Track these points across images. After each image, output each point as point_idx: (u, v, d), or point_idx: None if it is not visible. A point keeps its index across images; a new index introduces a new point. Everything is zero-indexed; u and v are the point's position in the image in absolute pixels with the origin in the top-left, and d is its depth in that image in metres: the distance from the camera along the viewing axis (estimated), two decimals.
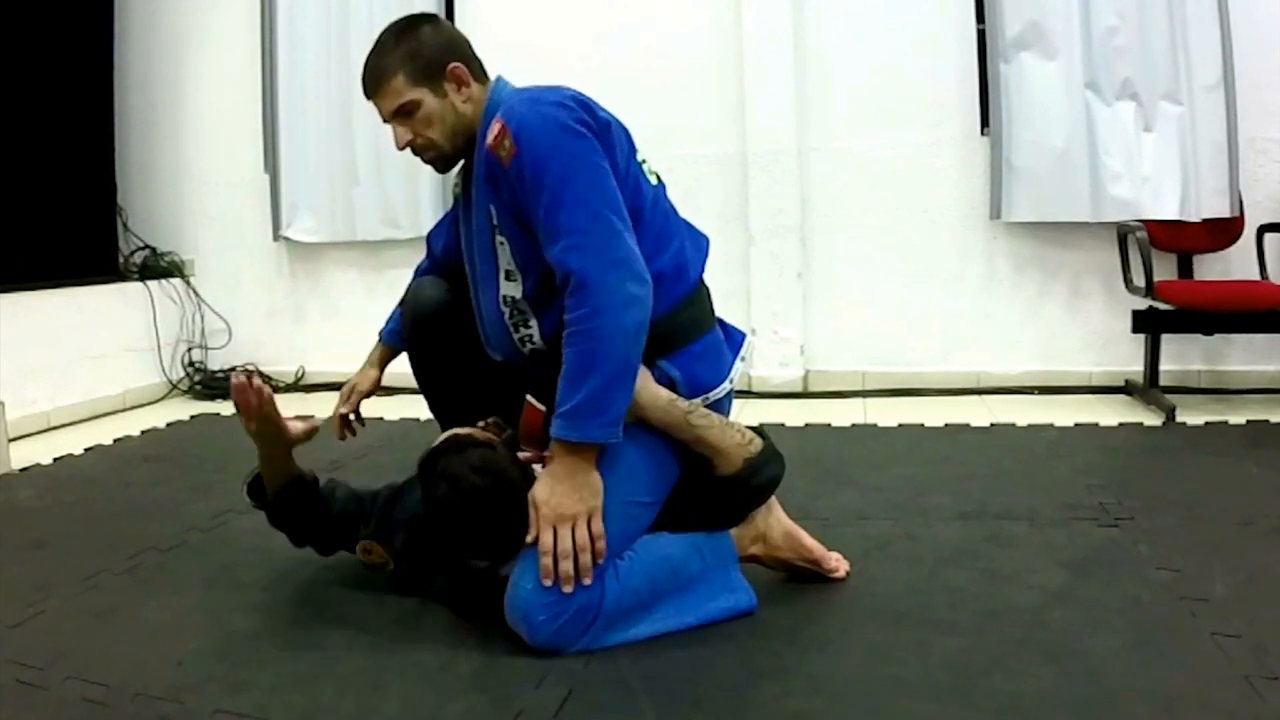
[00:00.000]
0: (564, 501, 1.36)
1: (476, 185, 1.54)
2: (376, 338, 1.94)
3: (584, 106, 1.46)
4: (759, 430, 1.57)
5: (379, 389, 1.92)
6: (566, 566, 1.36)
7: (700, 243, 1.64)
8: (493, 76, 1.61)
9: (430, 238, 1.95)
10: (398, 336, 1.89)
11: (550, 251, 1.40)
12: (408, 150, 1.59)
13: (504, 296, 1.55)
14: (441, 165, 1.62)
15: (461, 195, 1.66)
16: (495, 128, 1.44)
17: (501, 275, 1.55)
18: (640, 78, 3.49)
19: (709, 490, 1.53)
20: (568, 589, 1.36)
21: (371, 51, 1.56)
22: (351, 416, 1.89)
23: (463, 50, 1.57)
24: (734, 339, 1.66)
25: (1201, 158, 3.09)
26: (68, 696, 1.33)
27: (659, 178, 1.61)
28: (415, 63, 1.51)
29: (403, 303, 1.87)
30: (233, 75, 3.92)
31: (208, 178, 4.03)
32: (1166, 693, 1.23)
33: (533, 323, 1.55)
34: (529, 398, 1.59)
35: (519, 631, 1.40)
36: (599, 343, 1.35)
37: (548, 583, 1.36)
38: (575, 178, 1.39)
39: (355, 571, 1.74)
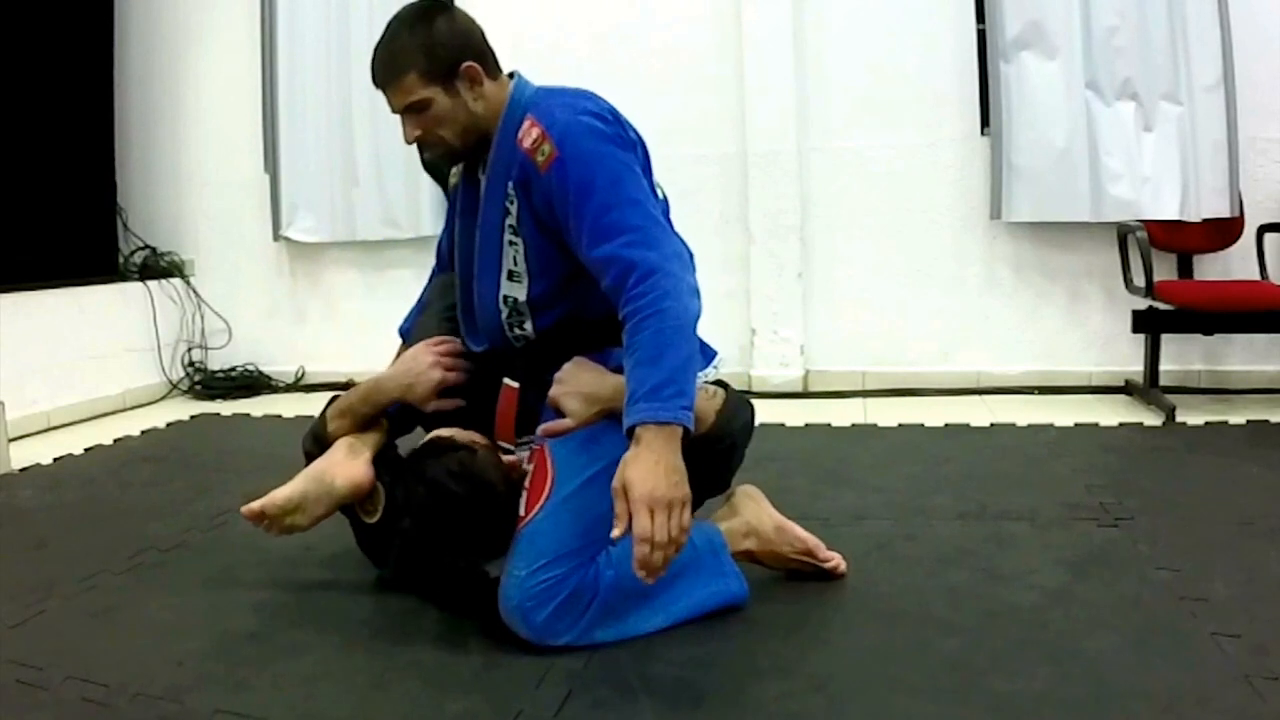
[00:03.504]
0: (659, 484, 1.26)
1: (493, 182, 1.52)
2: (398, 337, 1.86)
3: (619, 122, 1.48)
4: (719, 383, 1.59)
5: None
6: (662, 557, 1.25)
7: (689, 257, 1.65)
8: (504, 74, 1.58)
9: (439, 245, 1.91)
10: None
11: (602, 249, 1.39)
12: (410, 147, 1.59)
13: (504, 296, 1.55)
14: (449, 161, 1.61)
15: (462, 187, 1.64)
16: (533, 132, 1.44)
17: (504, 274, 1.55)
18: (640, 77, 3.49)
19: (692, 458, 1.47)
20: (650, 581, 1.28)
21: (383, 39, 1.51)
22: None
23: (478, 45, 1.53)
24: (706, 354, 1.65)
25: (1201, 158, 3.08)
26: (68, 696, 1.33)
27: (664, 192, 1.62)
28: (428, 60, 1.47)
29: (422, 304, 1.83)
30: (233, 75, 3.92)
31: (208, 178, 4.02)
32: (1166, 693, 1.23)
33: (528, 323, 1.56)
34: (506, 380, 1.59)
35: (513, 624, 1.40)
36: (671, 322, 1.33)
37: (642, 574, 1.26)
38: (625, 180, 1.42)
39: (356, 572, 1.74)
